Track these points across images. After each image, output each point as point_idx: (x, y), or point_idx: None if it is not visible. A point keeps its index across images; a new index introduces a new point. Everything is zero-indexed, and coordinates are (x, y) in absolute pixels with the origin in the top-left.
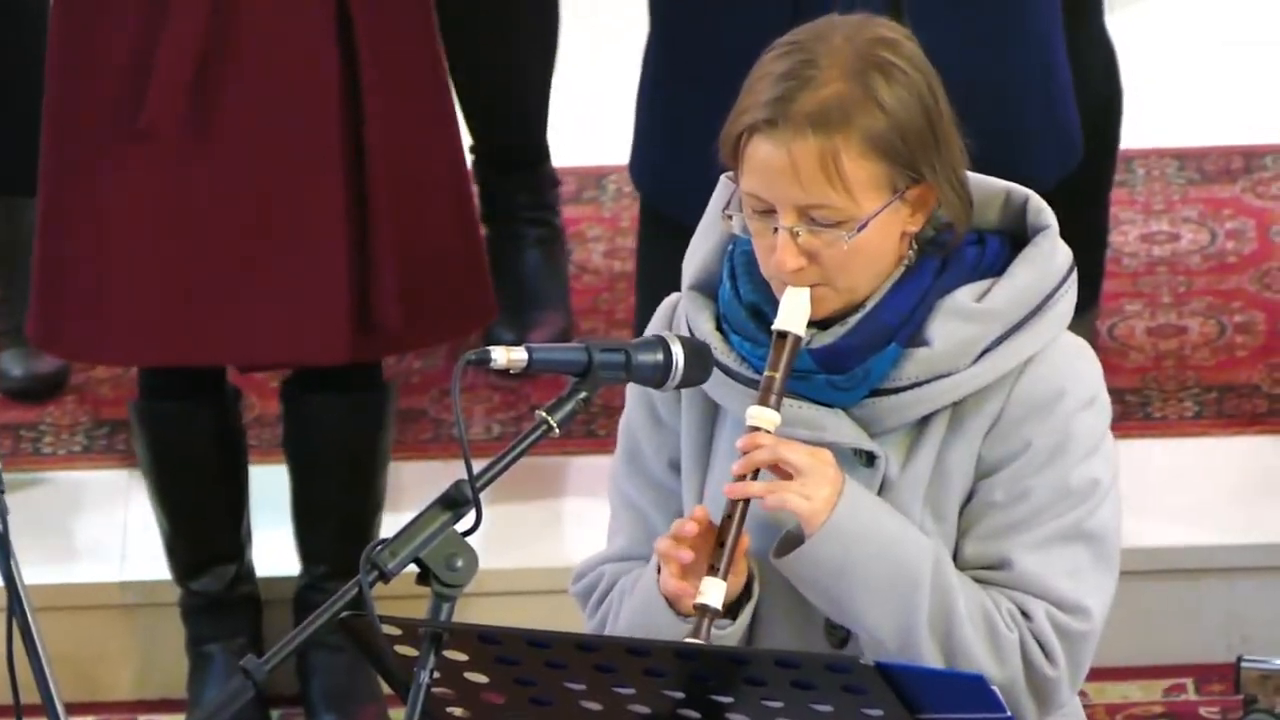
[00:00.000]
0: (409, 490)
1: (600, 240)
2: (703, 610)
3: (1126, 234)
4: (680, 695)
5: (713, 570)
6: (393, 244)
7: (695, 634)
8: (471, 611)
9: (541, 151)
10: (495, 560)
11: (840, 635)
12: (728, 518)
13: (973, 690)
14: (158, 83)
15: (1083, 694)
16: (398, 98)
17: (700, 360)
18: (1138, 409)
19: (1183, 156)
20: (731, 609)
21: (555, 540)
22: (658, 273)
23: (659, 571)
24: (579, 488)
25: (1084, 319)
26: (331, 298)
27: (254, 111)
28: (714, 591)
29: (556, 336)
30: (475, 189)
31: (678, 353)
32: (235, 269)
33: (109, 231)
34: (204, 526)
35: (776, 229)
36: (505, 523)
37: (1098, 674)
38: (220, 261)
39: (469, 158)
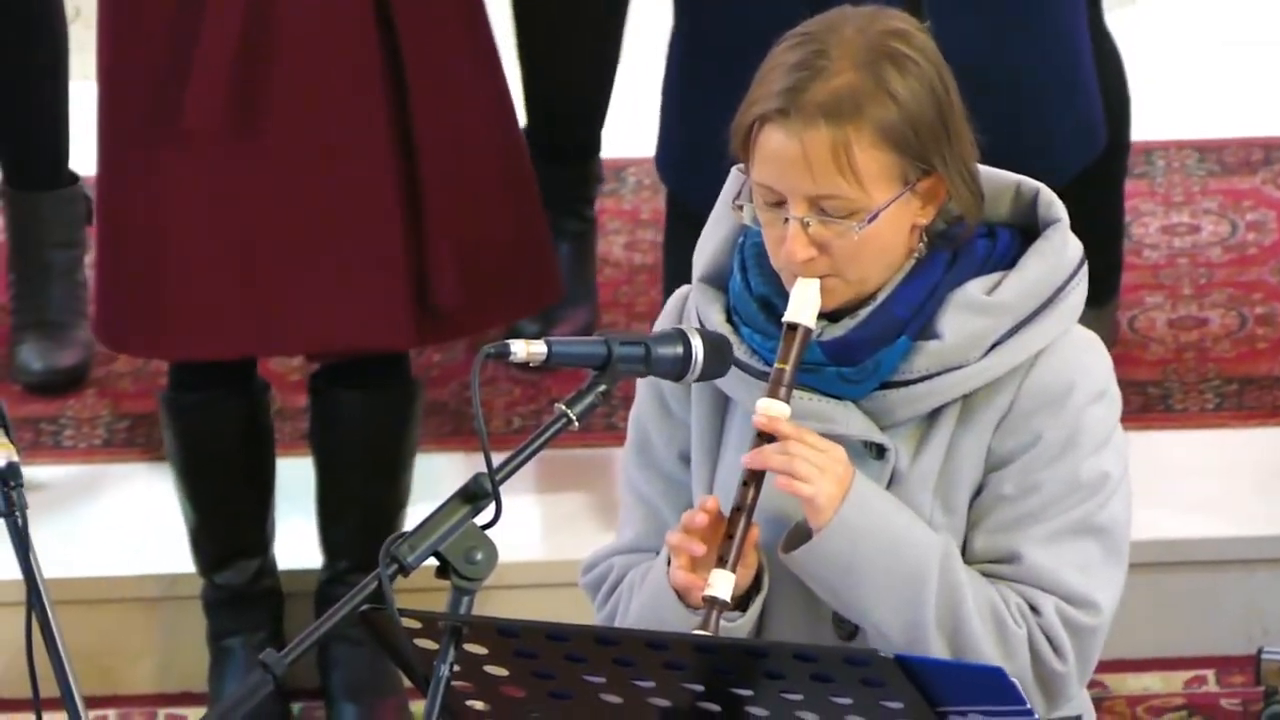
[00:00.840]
0: (429, 483)
1: (620, 233)
2: (711, 603)
3: (1147, 226)
4: (700, 688)
5: (721, 562)
6: (447, 225)
7: (704, 626)
8: (491, 604)
9: (594, 146)
10: (515, 553)
11: (848, 629)
12: (736, 510)
13: (992, 683)
14: (195, 83)
15: (1103, 685)
16: (444, 79)
17: (719, 353)
18: (1158, 401)
19: (1203, 148)
20: (741, 601)
21: (575, 533)
22: (684, 266)
23: (669, 564)
24: (599, 480)
25: (1104, 311)
26: (390, 283)
27: (298, 102)
28: (722, 584)
29: (581, 330)
30: None
31: (697, 346)
32: (293, 260)
33: (166, 230)
34: (230, 519)
35: (787, 220)
36: (525, 515)
37: (1118, 665)
38: (278, 253)
39: None
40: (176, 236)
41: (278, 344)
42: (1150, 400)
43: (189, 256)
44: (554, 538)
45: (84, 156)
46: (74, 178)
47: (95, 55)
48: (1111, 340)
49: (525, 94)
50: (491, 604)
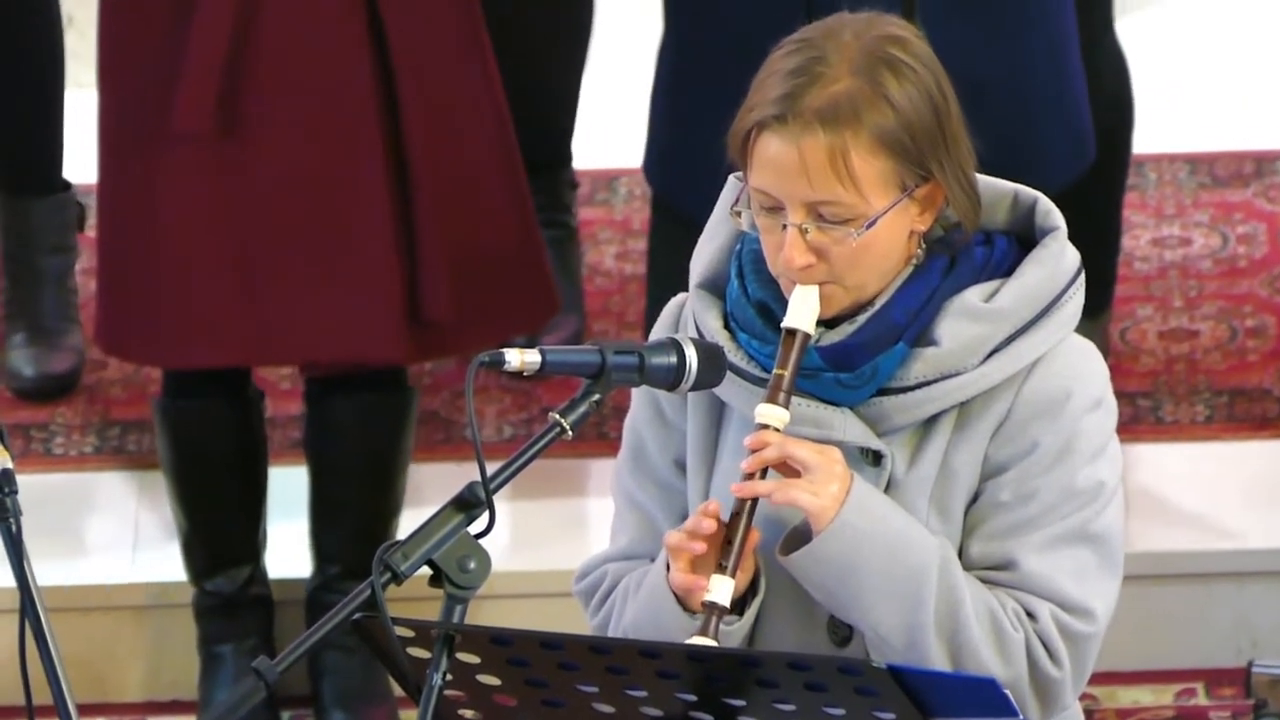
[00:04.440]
0: (422, 491)
1: (611, 243)
2: (711, 608)
3: (1138, 238)
4: (692, 698)
5: (720, 568)
6: (441, 239)
7: (703, 631)
8: (484, 613)
9: (565, 155)
10: (508, 562)
11: (843, 634)
12: (735, 515)
13: (984, 693)
14: (185, 86)
15: (1093, 698)
16: (437, 91)
17: (713, 362)
18: (1149, 412)
19: (1194, 161)
20: (738, 604)
21: (568, 542)
22: (669, 271)
23: (668, 567)
24: (590, 489)
25: (1096, 323)
26: (383, 296)
27: (287, 109)
28: (722, 589)
29: (570, 339)
30: None
31: (691, 355)
32: (287, 269)
33: (163, 236)
34: (222, 526)
35: (785, 226)
36: (518, 524)
37: (1108, 678)
38: (272, 261)
39: None
40: (173, 242)
41: (272, 353)
42: (1141, 412)
43: (185, 263)
44: (545, 548)
45: (76, 163)
46: (66, 184)
47: (96, 62)
48: (1103, 352)
49: None
50: (483, 613)
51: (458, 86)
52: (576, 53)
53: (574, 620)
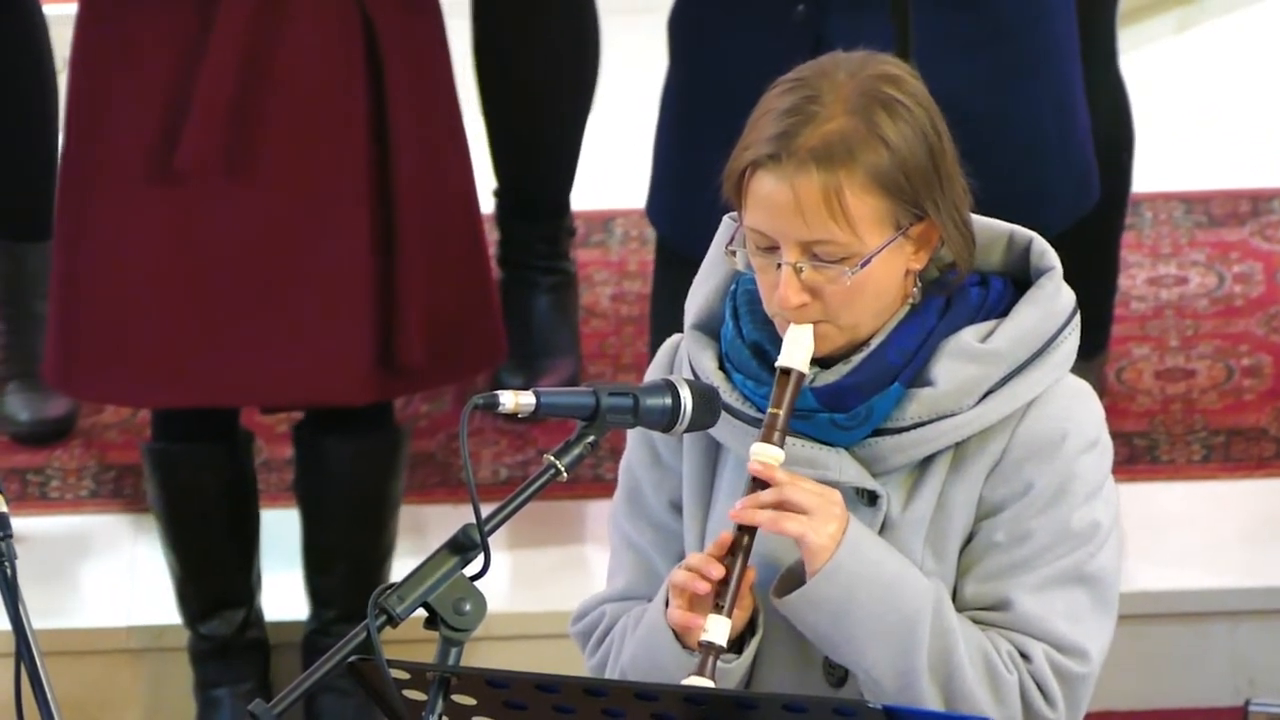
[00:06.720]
0: (418, 534)
1: (607, 284)
2: (708, 647)
3: (1134, 277)
4: None
5: (717, 607)
6: (419, 284)
7: (700, 671)
8: (480, 655)
9: (564, 203)
10: (503, 604)
11: (839, 674)
12: (731, 553)
13: None
14: (192, 125)
15: None
16: (425, 141)
17: (708, 404)
18: (1145, 452)
19: (1190, 200)
20: (736, 643)
21: (563, 584)
22: (672, 312)
23: (666, 604)
24: (586, 531)
25: (1092, 364)
26: (356, 338)
27: (286, 152)
28: (718, 629)
29: (565, 382)
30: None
31: (686, 397)
32: (259, 309)
33: (132, 272)
34: (214, 569)
35: (779, 265)
36: (514, 566)
37: (1104, 718)
38: (244, 301)
39: (491, 201)
40: (141, 280)
41: (232, 394)
42: (1137, 452)
43: (152, 301)
44: (540, 589)
45: None
46: None
47: (65, 101)
48: (1099, 392)
49: (496, 154)
50: (478, 655)
51: (442, 137)
52: (580, 103)
53: (570, 662)
